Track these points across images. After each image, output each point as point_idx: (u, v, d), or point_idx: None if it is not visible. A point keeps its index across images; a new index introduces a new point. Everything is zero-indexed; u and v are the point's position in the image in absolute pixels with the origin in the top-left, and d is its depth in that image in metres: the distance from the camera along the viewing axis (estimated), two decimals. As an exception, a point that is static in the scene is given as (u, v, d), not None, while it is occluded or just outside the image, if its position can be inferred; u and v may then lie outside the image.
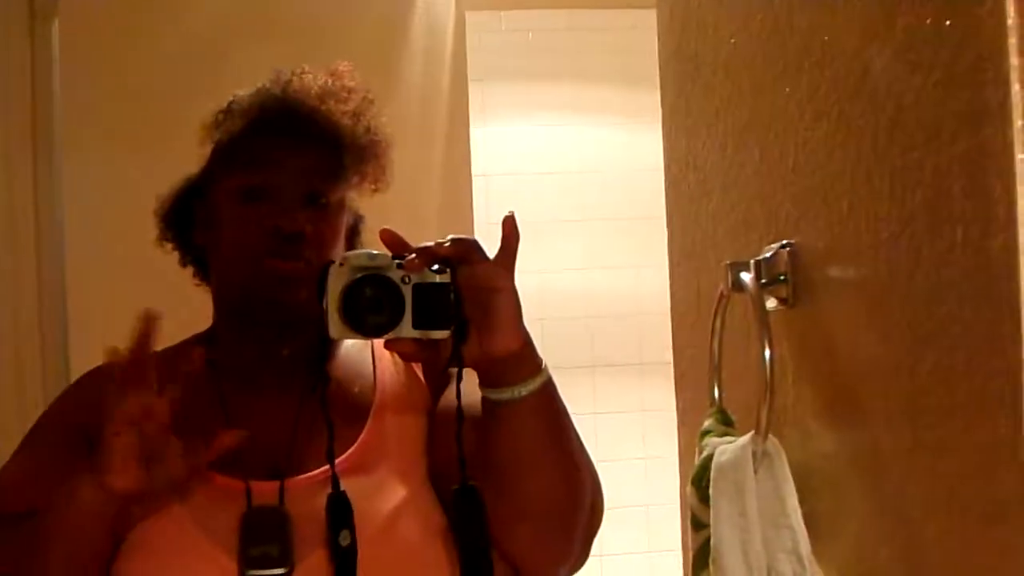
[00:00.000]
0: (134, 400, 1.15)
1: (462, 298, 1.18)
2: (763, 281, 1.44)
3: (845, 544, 1.36)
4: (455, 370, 1.24)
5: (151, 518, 1.26)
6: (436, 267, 1.19)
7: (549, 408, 1.25)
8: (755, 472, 1.37)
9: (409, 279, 1.18)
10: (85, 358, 2.59)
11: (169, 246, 1.51)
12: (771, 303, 1.45)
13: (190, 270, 1.51)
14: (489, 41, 3.17)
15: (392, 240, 1.22)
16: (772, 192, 1.49)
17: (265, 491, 1.28)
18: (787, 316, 1.45)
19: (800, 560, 1.34)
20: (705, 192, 1.72)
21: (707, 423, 1.54)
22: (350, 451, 1.33)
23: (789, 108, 1.42)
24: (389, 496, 1.30)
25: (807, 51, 1.37)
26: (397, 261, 1.20)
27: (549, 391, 1.23)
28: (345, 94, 1.46)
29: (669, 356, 3.26)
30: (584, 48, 3.30)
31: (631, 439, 3.22)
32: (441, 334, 1.19)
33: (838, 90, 1.30)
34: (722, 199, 1.66)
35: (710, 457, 1.45)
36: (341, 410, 1.36)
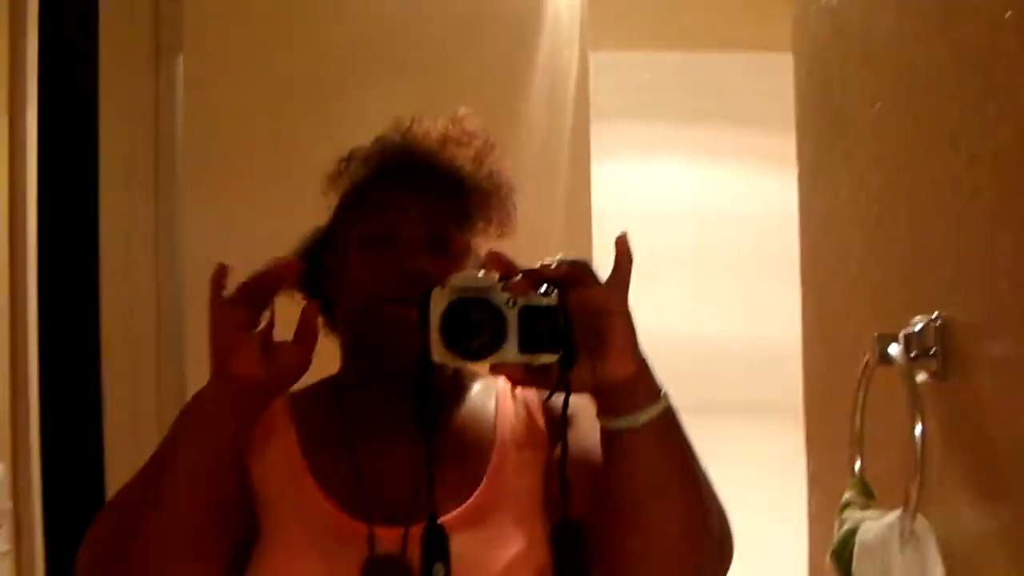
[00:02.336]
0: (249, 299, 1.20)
1: (571, 322, 1.13)
2: (912, 354, 1.41)
3: (994, 629, 1.32)
4: (570, 411, 1.20)
5: (280, 555, 1.27)
6: (545, 290, 1.15)
7: (670, 437, 1.19)
8: (901, 551, 1.34)
9: (515, 302, 1.14)
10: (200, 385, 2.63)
11: (298, 296, 1.52)
12: (919, 376, 1.42)
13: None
14: (610, 81, 3.15)
15: (498, 261, 1.17)
16: (920, 263, 1.46)
17: (388, 537, 1.27)
18: (936, 390, 1.41)
19: (947, 644, 1.31)
20: (843, 256, 1.69)
21: (848, 495, 1.51)
22: (468, 501, 1.32)
23: (943, 179, 1.40)
24: (506, 548, 1.28)
25: (967, 119, 1.34)
26: (503, 283, 1.15)
27: (669, 419, 1.18)
28: (466, 139, 1.45)
29: (780, 402, 3.23)
30: (706, 90, 3.28)
31: (739, 485, 3.19)
32: (548, 358, 1.14)
33: (1000, 164, 1.27)
34: (862, 265, 1.63)
35: (852, 532, 1.42)
36: (460, 454, 1.35)
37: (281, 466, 1.34)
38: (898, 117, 1.52)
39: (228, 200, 2.78)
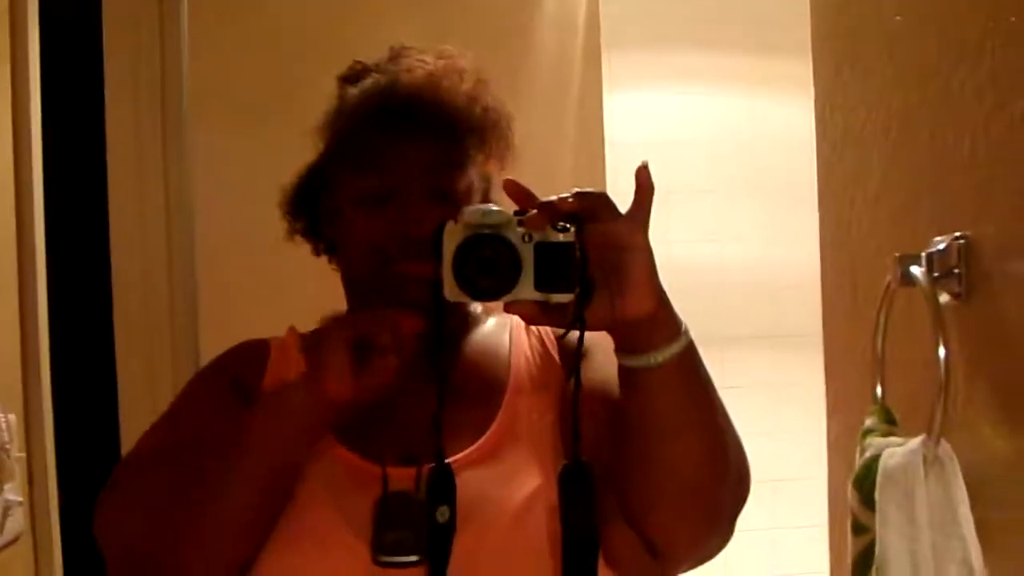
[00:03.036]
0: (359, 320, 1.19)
1: (588, 257, 1.08)
2: (935, 275, 1.37)
3: (1020, 555, 1.29)
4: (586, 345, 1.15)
5: (294, 498, 1.25)
6: (561, 224, 1.09)
7: (689, 375, 1.14)
8: (925, 476, 1.31)
9: (530, 237, 1.09)
10: (215, 336, 2.62)
11: (298, 238, 1.48)
12: (942, 297, 1.38)
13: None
14: (621, 7, 3.10)
15: (516, 192, 1.12)
16: (942, 181, 1.42)
17: (401, 476, 1.25)
18: (959, 311, 1.38)
19: (971, 572, 1.28)
20: (863, 176, 1.65)
21: (869, 421, 1.48)
22: (483, 438, 1.29)
23: (965, 93, 1.35)
24: (521, 485, 1.25)
25: (992, 30, 1.29)
26: (519, 218, 1.11)
27: (690, 357, 1.13)
28: (457, 76, 1.39)
29: (799, 329, 3.20)
30: (719, 15, 3.22)
31: (759, 413, 3.17)
32: (564, 297, 1.09)
33: (1025, 77, 1.22)
34: (883, 185, 1.59)
35: (875, 458, 1.39)
36: (473, 392, 1.32)
37: None
38: (919, 30, 1.47)
39: (235, 137, 2.75)
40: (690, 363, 1.14)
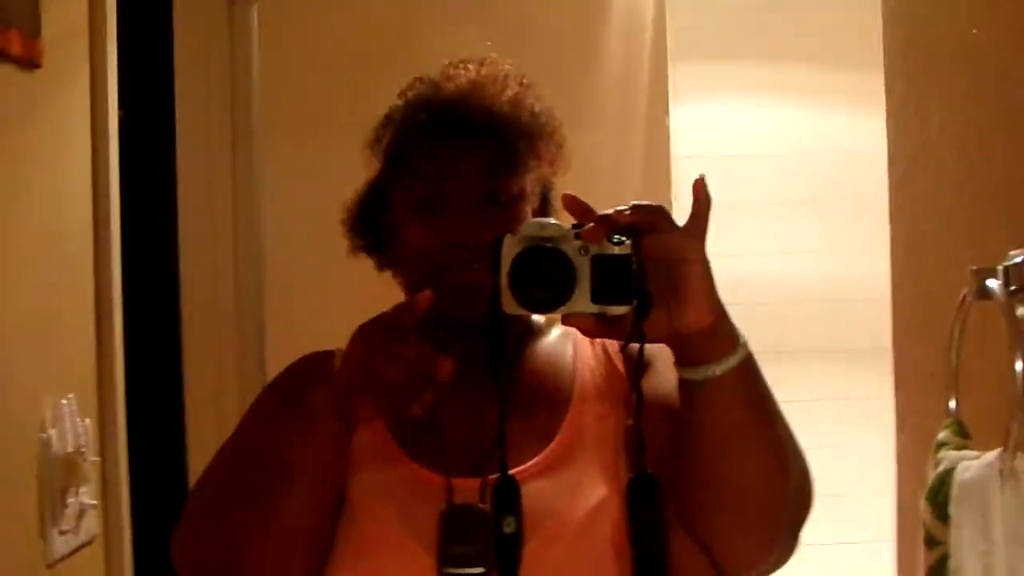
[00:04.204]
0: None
1: (645, 270, 1.08)
2: (1011, 288, 1.36)
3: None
4: (647, 354, 1.17)
5: (358, 510, 1.26)
6: (618, 237, 1.10)
7: (749, 387, 1.14)
8: (1001, 491, 1.30)
9: (587, 250, 1.09)
10: (282, 345, 2.65)
11: (362, 255, 1.49)
12: (1019, 311, 1.37)
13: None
14: (688, 19, 3.11)
15: (574, 206, 1.13)
16: (1018, 194, 1.41)
17: (466, 488, 1.25)
18: (1036, 326, 1.37)
19: (1047, 586, 1.27)
20: (937, 190, 1.65)
21: (942, 435, 1.47)
22: (549, 448, 1.29)
23: (1044, 106, 1.35)
24: (586, 496, 1.25)
25: (1069, 46, 1.29)
26: (576, 231, 1.11)
27: (749, 368, 1.13)
28: (500, 82, 1.40)
29: (862, 344, 3.19)
30: (786, 27, 3.22)
31: (822, 428, 3.15)
32: (620, 309, 1.09)
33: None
34: (957, 199, 1.58)
35: (948, 472, 1.38)
36: (539, 402, 1.33)
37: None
38: (996, 43, 1.47)
39: (304, 149, 2.78)
40: (749, 375, 1.14)
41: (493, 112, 1.35)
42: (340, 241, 1.50)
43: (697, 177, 1.11)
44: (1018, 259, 1.38)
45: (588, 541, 1.23)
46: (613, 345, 1.39)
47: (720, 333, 1.11)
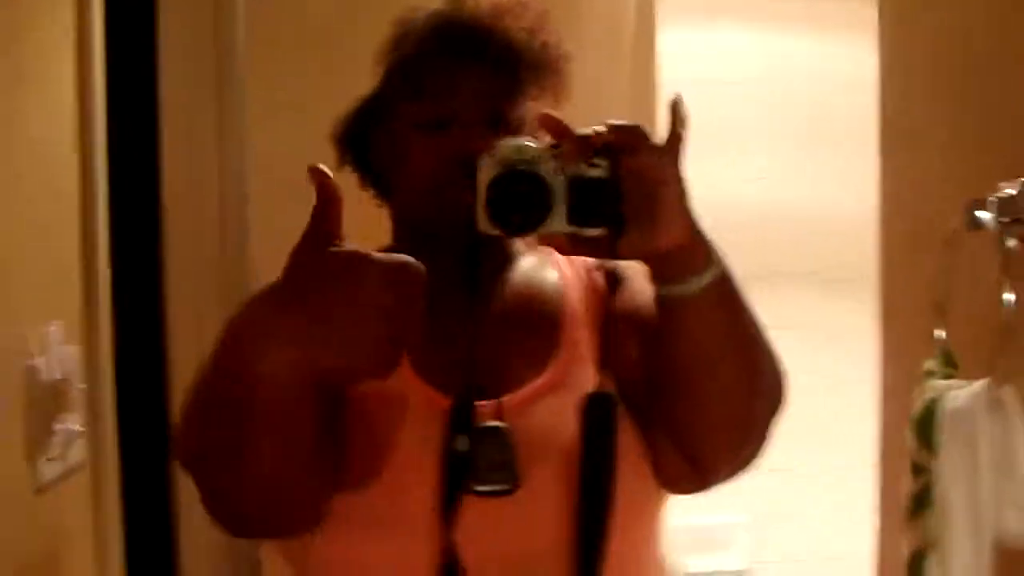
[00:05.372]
0: None
1: (622, 190, 1.09)
2: (1002, 220, 1.37)
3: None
4: (622, 269, 1.22)
5: (365, 423, 1.27)
6: (596, 157, 1.10)
7: (724, 303, 1.16)
8: (987, 418, 1.32)
9: (563, 171, 1.10)
10: (266, 273, 2.64)
11: (348, 169, 1.49)
12: (1009, 243, 1.39)
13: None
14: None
15: (551, 124, 1.13)
16: (1013, 128, 1.42)
17: (481, 410, 1.27)
18: (1025, 258, 1.38)
19: (1031, 515, 1.30)
20: (931, 123, 1.65)
21: (930, 364, 1.49)
22: (550, 367, 1.31)
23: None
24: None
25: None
26: (553, 151, 1.11)
27: (723, 285, 1.15)
28: (519, 10, 1.40)
29: (844, 273, 3.21)
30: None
31: (806, 354, 3.19)
32: (595, 231, 1.11)
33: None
34: (952, 133, 1.59)
35: (935, 401, 1.40)
36: (531, 323, 1.34)
37: None
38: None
39: (292, 92, 2.74)
40: (725, 290, 1.16)
41: (510, 38, 1.35)
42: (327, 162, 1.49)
43: (673, 97, 1.11)
44: (1010, 191, 1.38)
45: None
46: (591, 261, 1.41)
47: (695, 251, 1.13)
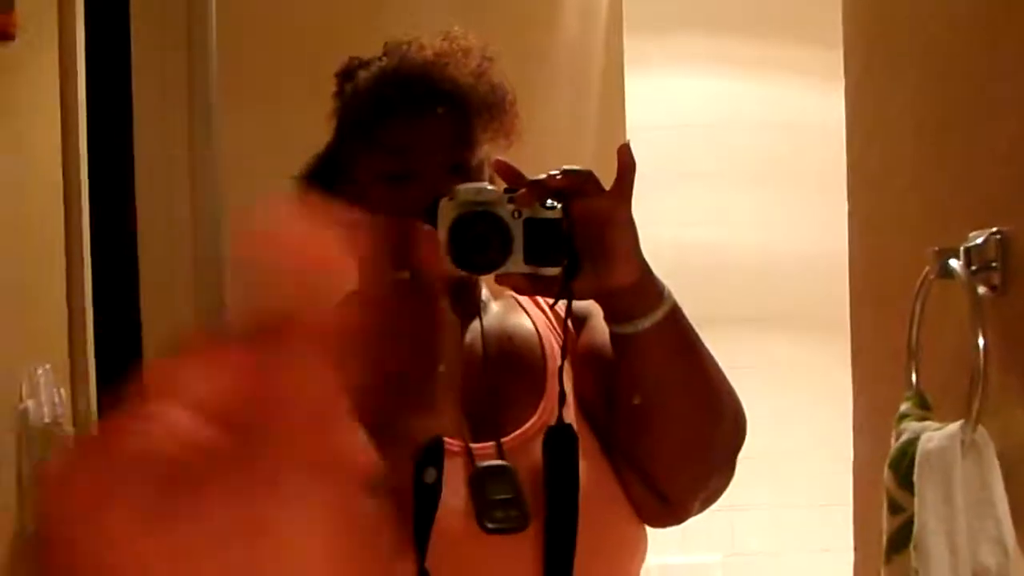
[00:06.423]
0: None
1: (574, 232, 1.17)
2: (973, 268, 1.43)
3: (1051, 536, 1.35)
4: (583, 309, 1.29)
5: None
6: (550, 201, 1.18)
7: (676, 336, 1.24)
8: (962, 460, 1.37)
9: (520, 214, 1.17)
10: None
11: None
12: (980, 290, 1.44)
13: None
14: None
15: (505, 171, 1.21)
16: (978, 176, 1.47)
17: (482, 452, 1.30)
18: (995, 304, 1.43)
19: (1005, 550, 1.34)
20: (894, 169, 1.70)
21: (904, 406, 1.54)
22: (540, 407, 1.34)
23: (1004, 88, 1.40)
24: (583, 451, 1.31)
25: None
26: (509, 195, 1.18)
27: (675, 319, 1.23)
28: (462, 56, 1.44)
29: (795, 311, 3.25)
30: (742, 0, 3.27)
31: (756, 393, 3.23)
32: (551, 271, 1.19)
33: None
34: (914, 178, 1.64)
35: (911, 442, 1.45)
36: (518, 365, 1.38)
37: None
38: (958, 26, 1.52)
39: (264, 109, 2.76)
40: (675, 325, 1.23)
41: (459, 84, 1.40)
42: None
43: (621, 144, 1.20)
44: (979, 240, 1.44)
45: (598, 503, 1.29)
46: (549, 302, 1.46)
47: (645, 290, 1.21)
